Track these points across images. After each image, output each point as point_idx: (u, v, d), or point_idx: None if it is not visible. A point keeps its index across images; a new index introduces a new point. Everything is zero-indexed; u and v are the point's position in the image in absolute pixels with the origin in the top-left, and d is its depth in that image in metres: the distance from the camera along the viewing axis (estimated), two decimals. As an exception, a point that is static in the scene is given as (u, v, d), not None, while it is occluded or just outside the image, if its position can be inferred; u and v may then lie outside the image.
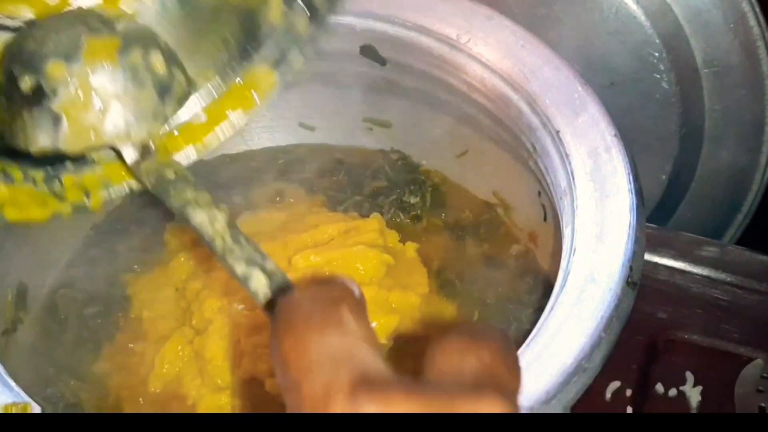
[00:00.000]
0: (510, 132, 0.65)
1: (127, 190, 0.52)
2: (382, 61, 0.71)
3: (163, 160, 0.46)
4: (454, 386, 0.30)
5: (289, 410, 0.31)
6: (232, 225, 0.41)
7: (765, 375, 0.70)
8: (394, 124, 0.78)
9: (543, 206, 0.68)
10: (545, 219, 0.68)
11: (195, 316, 0.66)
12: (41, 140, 0.46)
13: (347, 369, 0.30)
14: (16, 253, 0.67)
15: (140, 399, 0.64)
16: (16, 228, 0.66)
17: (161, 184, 0.44)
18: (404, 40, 0.68)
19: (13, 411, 0.47)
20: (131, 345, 0.67)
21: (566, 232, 0.56)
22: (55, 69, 0.45)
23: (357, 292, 0.35)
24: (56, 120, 0.45)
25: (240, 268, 0.40)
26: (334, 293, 0.34)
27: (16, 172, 0.51)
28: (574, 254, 0.53)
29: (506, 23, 0.65)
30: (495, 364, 0.31)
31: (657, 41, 0.85)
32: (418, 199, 0.76)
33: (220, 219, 0.41)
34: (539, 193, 0.68)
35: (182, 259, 0.71)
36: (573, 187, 0.56)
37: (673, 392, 0.70)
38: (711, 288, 0.77)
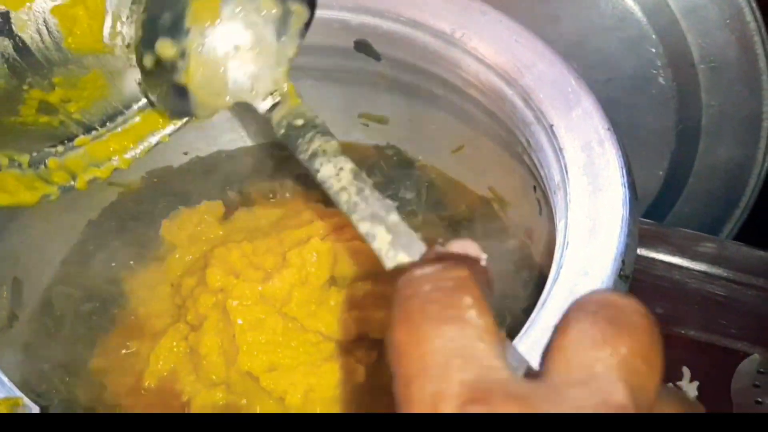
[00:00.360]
0: (505, 127, 0.65)
1: (114, 165, 0.53)
2: (377, 57, 0.71)
3: (293, 107, 0.45)
4: (578, 391, 0.27)
5: (397, 401, 0.29)
6: (357, 176, 0.40)
7: (762, 370, 0.70)
8: (390, 120, 0.78)
9: (538, 201, 0.68)
10: (540, 214, 0.68)
11: (190, 312, 0.66)
12: (176, 110, 0.48)
13: (460, 375, 0.28)
14: (11, 250, 0.67)
15: (135, 395, 0.64)
16: (10, 225, 0.66)
17: (290, 133, 0.43)
18: (398, 36, 0.68)
19: (4, 406, 0.47)
20: (126, 341, 0.67)
21: (560, 226, 0.55)
22: (163, 48, 0.45)
23: (484, 264, 0.32)
24: (183, 92, 0.46)
25: (364, 227, 0.39)
26: (460, 274, 0.31)
27: (2, 157, 0.51)
28: (567, 248, 0.53)
29: (500, 18, 0.65)
30: (633, 359, 0.28)
31: (653, 37, 0.85)
32: (413, 194, 0.75)
33: (347, 170, 0.41)
34: (534, 188, 0.68)
35: (178, 255, 0.71)
36: (566, 180, 0.56)
37: (670, 387, 0.70)
38: (708, 283, 0.77)
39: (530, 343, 0.48)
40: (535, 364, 0.33)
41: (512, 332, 0.50)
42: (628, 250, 0.52)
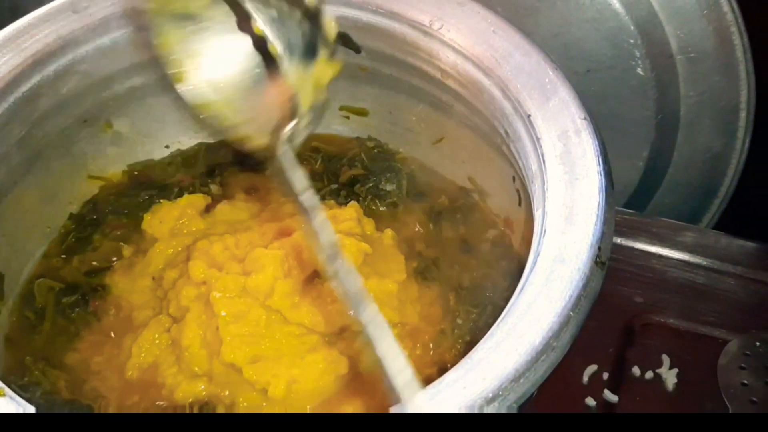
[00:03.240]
0: (483, 118, 0.66)
1: None
2: (357, 49, 0.71)
3: None
4: None
5: None
6: None
7: (748, 352, 0.71)
8: (371, 113, 0.79)
9: (518, 191, 0.68)
10: (520, 204, 0.68)
11: (172, 304, 0.66)
12: None
13: None
14: (-7, 243, 0.67)
15: (118, 386, 0.64)
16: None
17: None
18: (378, 28, 0.68)
19: (-15, 396, 0.47)
20: (109, 333, 0.67)
21: (537, 215, 0.56)
22: None
23: None
24: None
25: None
26: None
27: None
28: (544, 235, 0.53)
29: (478, 9, 0.66)
30: None
31: (632, 28, 0.85)
32: (394, 186, 0.76)
33: None
34: (513, 179, 0.68)
35: (159, 248, 0.71)
36: (544, 170, 0.57)
37: (649, 375, 0.71)
38: (688, 272, 0.78)
39: (507, 329, 0.49)
40: None
41: (492, 321, 0.51)
42: (605, 236, 0.53)
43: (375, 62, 0.72)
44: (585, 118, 0.58)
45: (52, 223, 0.73)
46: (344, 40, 0.71)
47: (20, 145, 0.66)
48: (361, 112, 0.79)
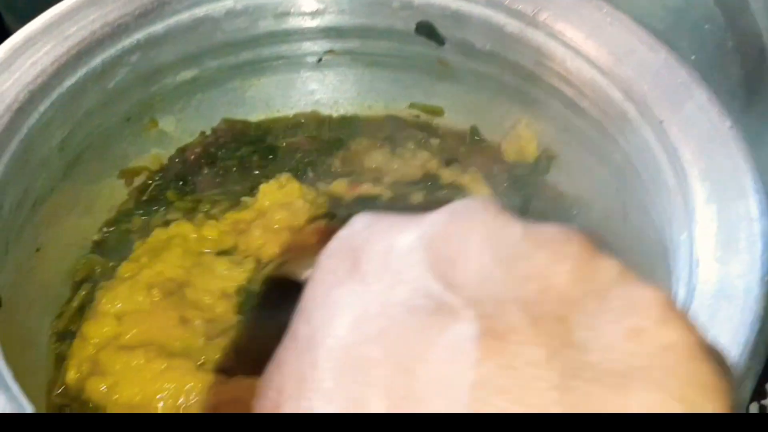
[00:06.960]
0: (592, 121, 0.58)
1: None
2: (441, 41, 0.63)
3: None
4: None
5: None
6: None
7: None
8: (447, 113, 0.69)
9: (624, 203, 0.60)
10: (625, 220, 0.60)
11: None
12: None
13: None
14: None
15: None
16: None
17: None
18: (469, 16, 0.60)
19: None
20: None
21: (682, 239, 0.48)
22: None
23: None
24: None
25: None
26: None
27: None
28: (697, 266, 0.45)
29: (590, -3, 0.58)
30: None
31: (722, 19, 0.78)
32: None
33: None
34: (617, 190, 0.60)
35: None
36: (687, 186, 0.49)
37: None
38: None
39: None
40: None
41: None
42: (775, 268, 0.45)
43: (459, 56, 0.63)
44: (732, 127, 0.51)
45: (89, 235, 0.64)
46: (427, 30, 0.63)
47: (61, 147, 0.57)
48: (435, 111, 0.70)
